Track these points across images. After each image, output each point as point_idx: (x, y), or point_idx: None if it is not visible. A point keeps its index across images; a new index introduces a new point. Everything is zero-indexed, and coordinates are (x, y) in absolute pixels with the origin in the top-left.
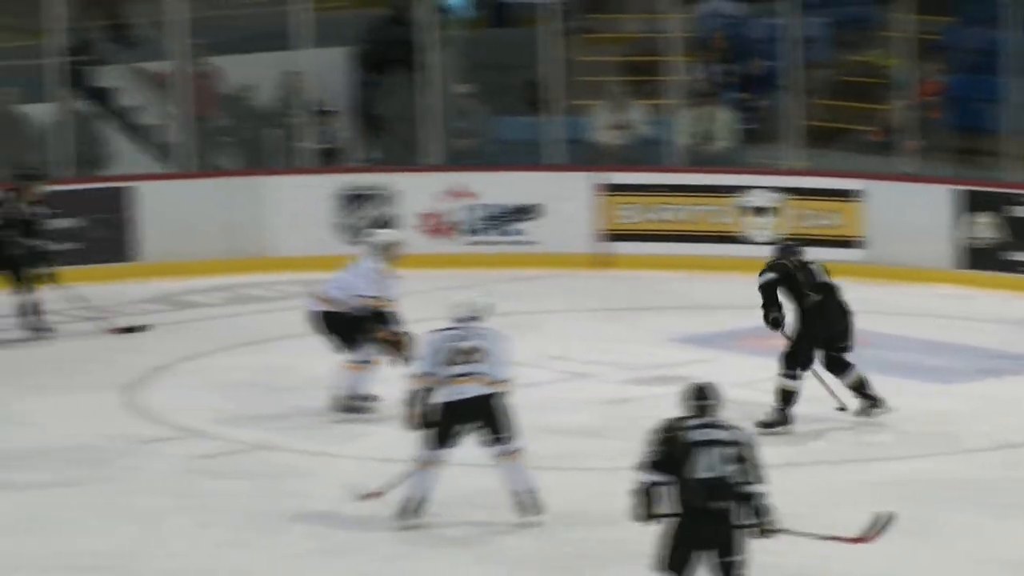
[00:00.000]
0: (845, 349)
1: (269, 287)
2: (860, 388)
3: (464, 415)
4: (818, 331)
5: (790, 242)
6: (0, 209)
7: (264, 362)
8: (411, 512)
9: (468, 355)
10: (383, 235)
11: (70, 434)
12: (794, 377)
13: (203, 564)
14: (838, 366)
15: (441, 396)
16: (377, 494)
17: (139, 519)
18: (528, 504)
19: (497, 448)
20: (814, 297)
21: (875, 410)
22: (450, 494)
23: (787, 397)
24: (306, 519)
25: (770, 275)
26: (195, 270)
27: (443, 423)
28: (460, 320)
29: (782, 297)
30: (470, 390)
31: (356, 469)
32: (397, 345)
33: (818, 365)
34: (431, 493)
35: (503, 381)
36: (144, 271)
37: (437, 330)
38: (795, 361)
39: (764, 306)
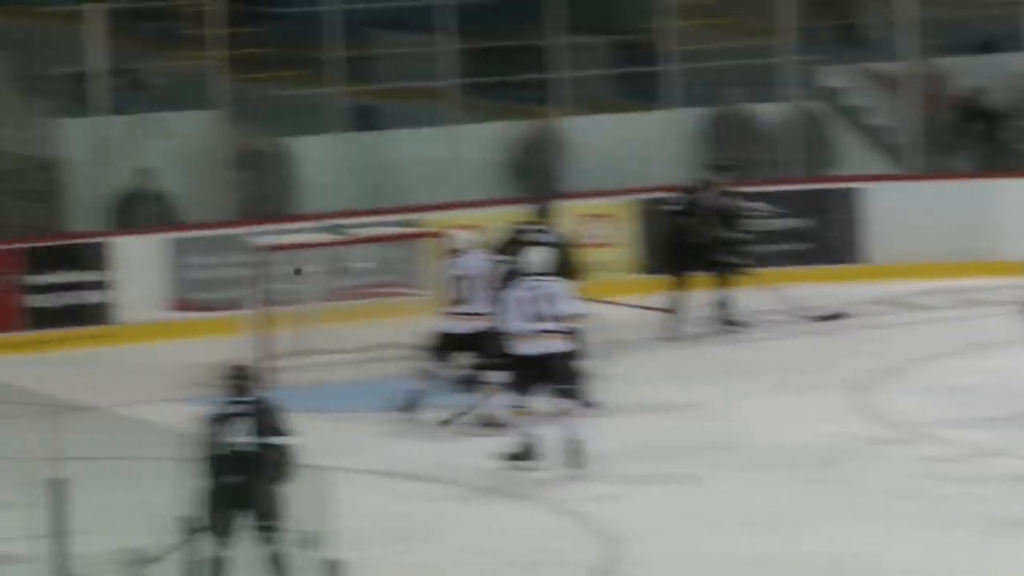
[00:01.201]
0: None
1: (998, 291)
2: None
3: None
4: None
5: None
6: (689, 197)
7: (993, 366)
8: None
9: None
10: None
11: (801, 433)
12: None
13: (936, 570)
14: None
15: None
16: None
17: (872, 521)
18: None
19: None
20: None
21: None
22: None
23: None
24: None
25: None
26: (923, 272)
27: None
28: None
29: None
30: None
31: None
32: None
33: None
34: None
35: None
36: (872, 273)
37: None
38: None
39: None
